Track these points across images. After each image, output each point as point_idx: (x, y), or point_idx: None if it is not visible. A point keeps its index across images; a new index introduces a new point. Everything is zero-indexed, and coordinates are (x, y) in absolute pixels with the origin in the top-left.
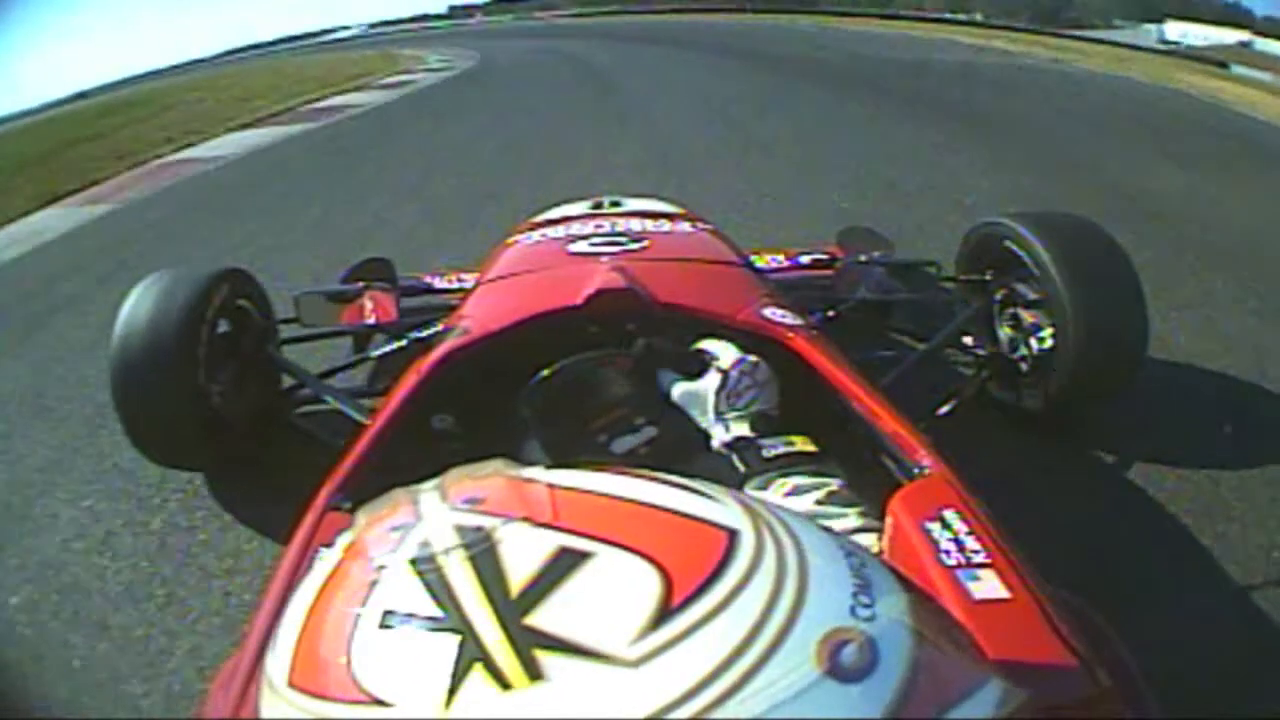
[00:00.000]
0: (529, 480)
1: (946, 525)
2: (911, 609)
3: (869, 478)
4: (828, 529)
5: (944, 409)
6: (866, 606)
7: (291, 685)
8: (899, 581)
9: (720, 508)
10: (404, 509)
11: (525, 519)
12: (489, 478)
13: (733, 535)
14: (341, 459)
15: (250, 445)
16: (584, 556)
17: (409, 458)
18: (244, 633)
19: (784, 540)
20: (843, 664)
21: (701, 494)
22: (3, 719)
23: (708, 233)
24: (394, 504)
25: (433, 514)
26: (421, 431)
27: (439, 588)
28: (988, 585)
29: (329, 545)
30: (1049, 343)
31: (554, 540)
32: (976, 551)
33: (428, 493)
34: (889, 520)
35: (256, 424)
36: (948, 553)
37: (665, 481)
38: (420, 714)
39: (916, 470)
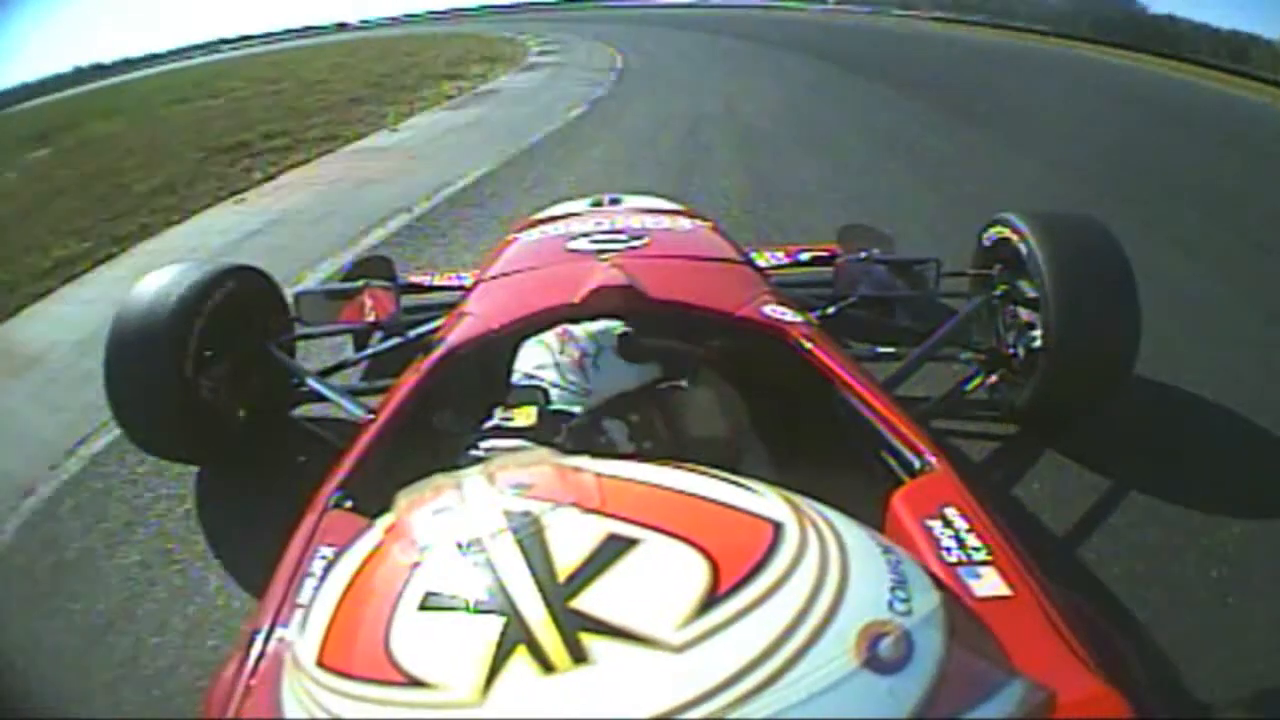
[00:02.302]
0: (576, 469)
1: (948, 522)
2: (944, 606)
3: (870, 474)
4: (867, 527)
5: (944, 405)
6: (904, 601)
7: (320, 664)
8: (932, 580)
9: (765, 501)
10: (448, 493)
11: (574, 505)
12: (536, 465)
13: (778, 527)
14: (342, 457)
15: (247, 441)
16: (632, 543)
17: (410, 455)
18: (244, 631)
19: (826, 535)
20: (880, 656)
21: (745, 487)
22: (2, 719)
23: (707, 230)
24: (436, 488)
25: (479, 498)
26: (422, 429)
27: (485, 570)
28: (989, 582)
29: (330, 543)
30: (1039, 342)
31: (602, 526)
32: (978, 549)
33: (473, 477)
34: (890, 516)
35: (254, 420)
36: (949, 550)
37: (709, 474)
38: (461, 695)
39: (918, 466)
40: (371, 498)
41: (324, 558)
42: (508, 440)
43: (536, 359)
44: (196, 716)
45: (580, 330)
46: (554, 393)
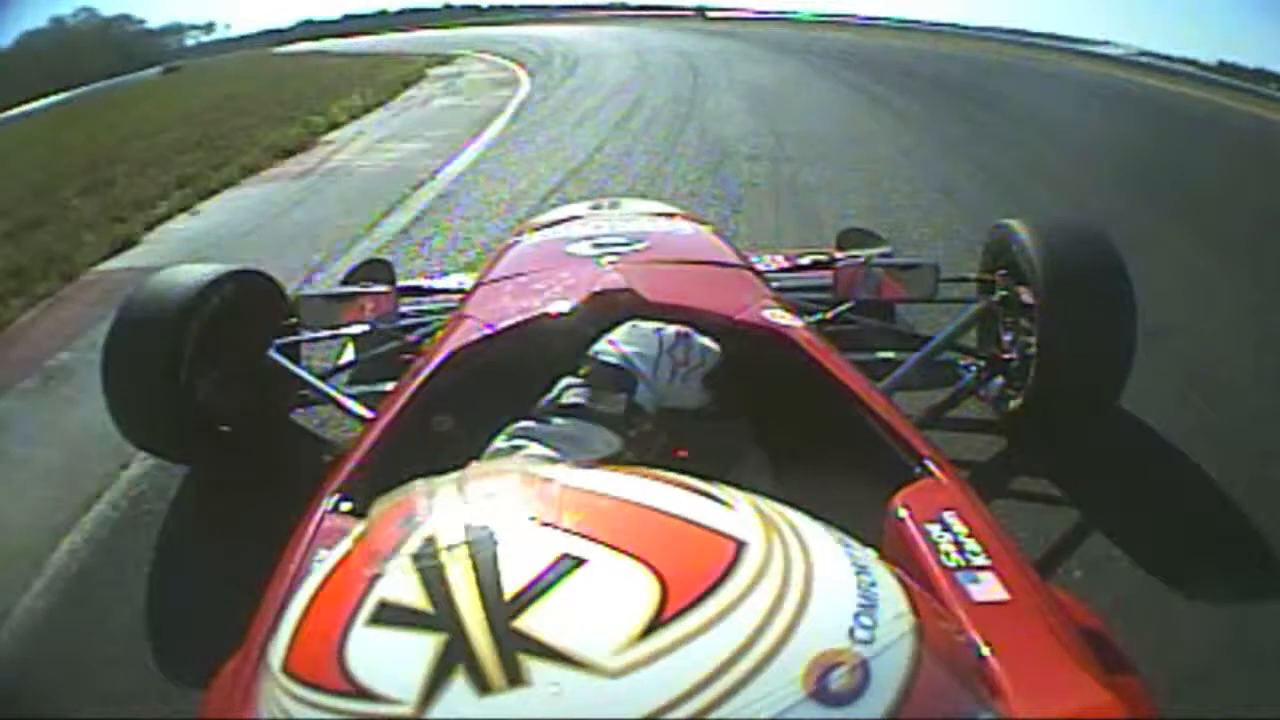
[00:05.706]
0: (546, 479)
1: (947, 526)
2: (915, 632)
3: (869, 479)
4: (849, 542)
5: (943, 410)
6: (867, 628)
7: (285, 670)
8: (909, 602)
9: (734, 516)
10: (420, 501)
11: (533, 519)
12: (508, 474)
13: (740, 546)
14: (341, 460)
15: (246, 442)
16: (582, 561)
17: (409, 459)
18: (244, 634)
19: (794, 554)
20: (829, 687)
21: (718, 500)
22: (3, 719)
23: (707, 233)
24: (411, 495)
25: (445, 508)
26: (421, 433)
27: (435, 584)
28: (988, 587)
29: (328, 546)
30: (1032, 350)
31: (555, 542)
32: (977, 553)
33: (445, 486)
34: (889, 521)
35: (252, 422)
36: (948, 554)
37: (684, 486)
38: (399, 710)
39: (917, 471)
40: (371, 501)
41: (322, 560)
42: (585, 422)
43: (641, 344)
44: (196, 717)
45: (698, 339)
46: (640, 385)
